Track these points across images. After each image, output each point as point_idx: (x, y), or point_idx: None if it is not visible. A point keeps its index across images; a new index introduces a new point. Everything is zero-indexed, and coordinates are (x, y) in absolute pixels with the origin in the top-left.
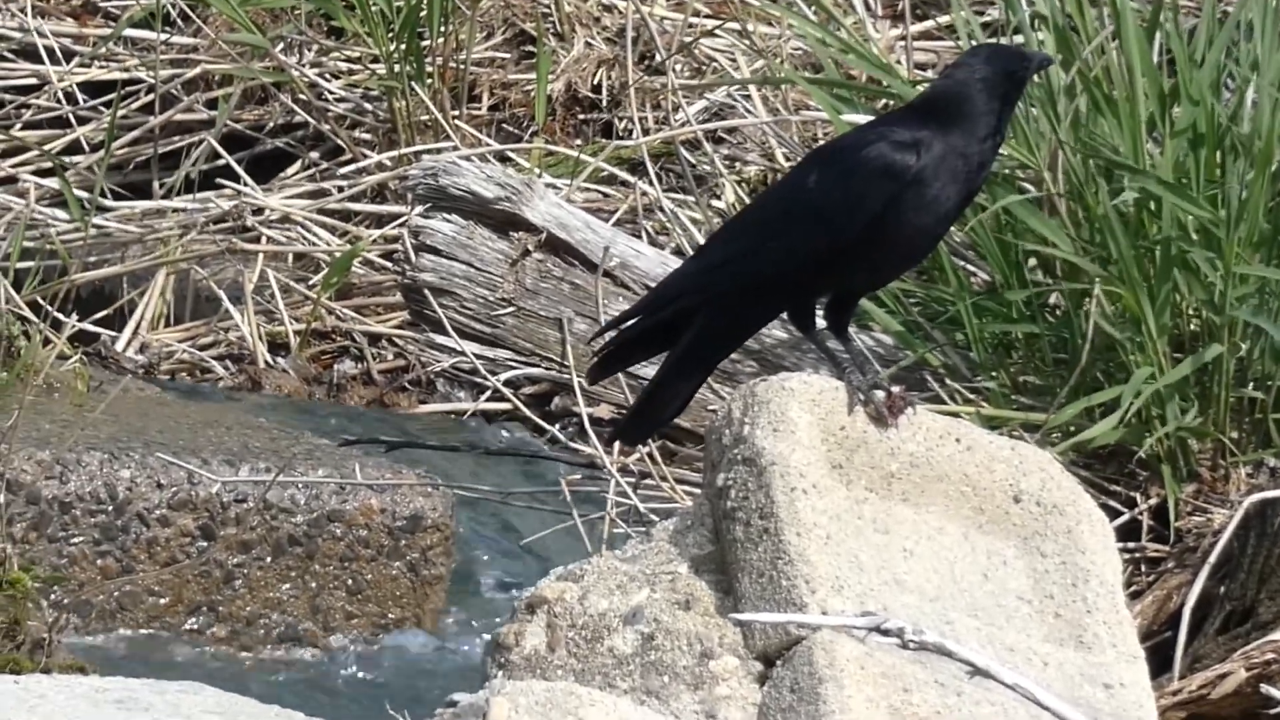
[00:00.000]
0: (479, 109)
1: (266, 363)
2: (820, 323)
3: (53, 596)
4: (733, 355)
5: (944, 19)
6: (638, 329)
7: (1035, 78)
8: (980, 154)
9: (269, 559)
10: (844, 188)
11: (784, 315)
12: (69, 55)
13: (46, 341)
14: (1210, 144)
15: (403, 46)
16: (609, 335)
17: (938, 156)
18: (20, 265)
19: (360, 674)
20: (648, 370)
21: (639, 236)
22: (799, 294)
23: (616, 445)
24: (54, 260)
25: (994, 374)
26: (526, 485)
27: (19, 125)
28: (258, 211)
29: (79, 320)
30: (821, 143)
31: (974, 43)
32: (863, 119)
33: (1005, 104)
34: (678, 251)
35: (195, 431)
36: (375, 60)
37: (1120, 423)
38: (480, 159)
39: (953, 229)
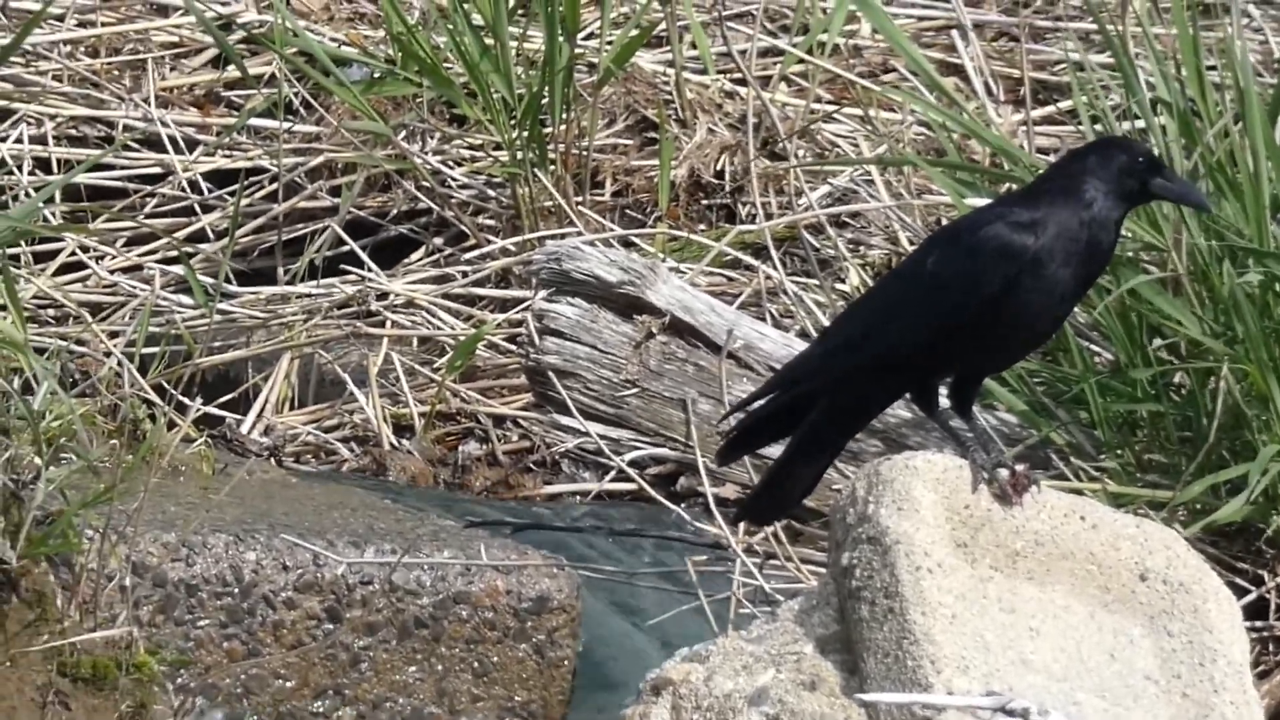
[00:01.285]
0: (602, 195)
1: (391, 445)
2: (944, 403)
3: (179, 680)
4: (857, 435)
5: (1065, 104)
6: (764, 411)
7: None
8: (1091, 238)
9: (395, 641)
10: (962, 268)
11: (908, 396)
12: (193, 145)
13: (172, 425)
14: None
15: (525, 133)
16: (736, 417)
17: (1053, 237)
18: (146, 350)
19: None
20: (774, 449)
21: (763, 319)
22: (920, 374)
23: (742, 525)
24: (179, 345)
25: (1119, 452)
26: (652, 566)
27: (144, 214)
28: (382, 297)
29: (204, 404)
30: (941, 224)
31: (1097, 129)
32: (985, 202)
33: (1120, 192)
34: (802, 334)
35: (320, 514)
36: (498, 147)
37: (1247, 501)
38: (604, 244)
39: (1077, 309)
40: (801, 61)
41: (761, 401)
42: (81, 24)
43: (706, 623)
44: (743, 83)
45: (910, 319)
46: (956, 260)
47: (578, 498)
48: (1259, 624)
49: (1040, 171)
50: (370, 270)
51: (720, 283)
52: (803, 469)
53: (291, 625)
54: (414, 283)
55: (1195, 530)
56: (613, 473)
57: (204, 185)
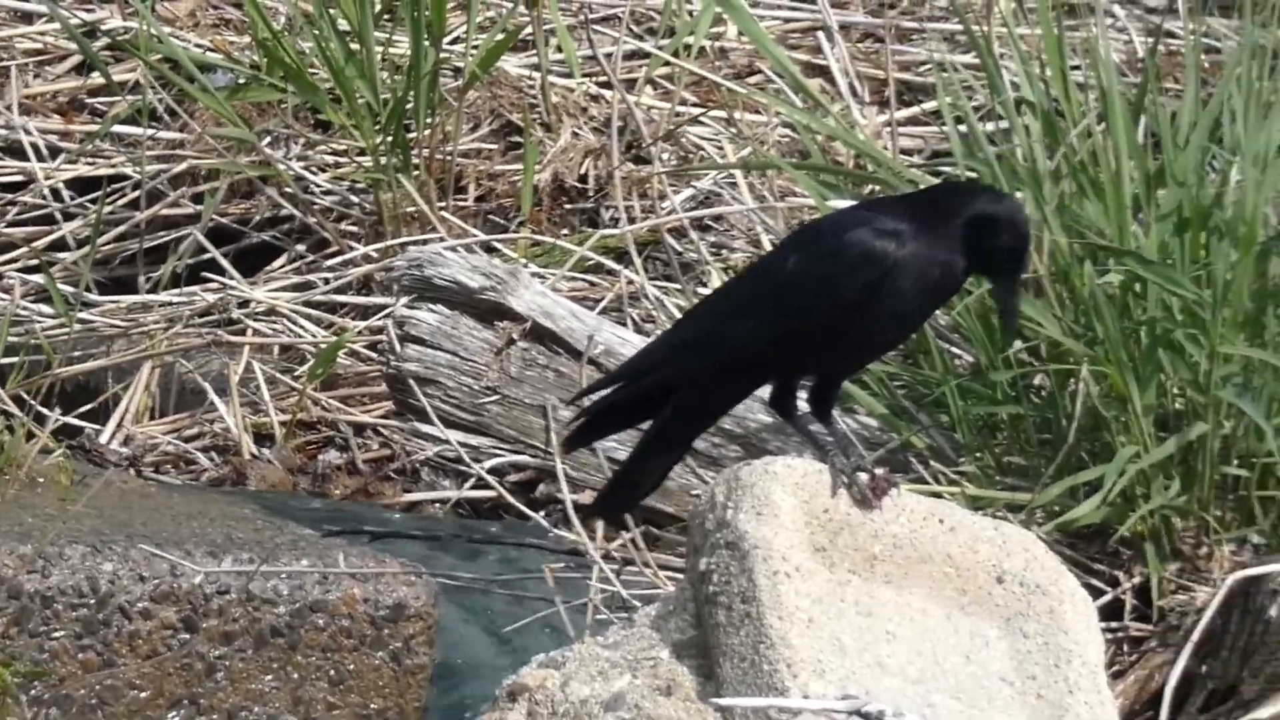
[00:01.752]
0: (465, 200)
1: (252, 454)
2: (803, 406)
3: (33, 692)
4: (715, 440)
5: (930, 104)
6: (610, 401)
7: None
8: (944, 279)
9: (251, 650)
10: (822, 269)
11: (766, 401)
12: (55, 152)
13: (30, 436)
14: (1195, 226)
15: (389, 139)
16: (592, 401)
17: (912, 254)
18: (5, 360)
19: None
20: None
21: (624, 324)
22: (773, 374)
23: (600, 532)
24: (38, 355)
25: (978, 455)
26: (510, 573)
27: (4, 223)
28: (243, 304)
29: (63, 414)
30: (804, 222)
31: (961, 129)
32: (849, 204)
33: (980, 262)
34: None
35: (179, 523)
36: (362, 153)
37: (1104, 502)
38: (466, 249)
39: (939, 312)
40: (667, 64)
41: (608, 391)
42: None
43: (563, 629)
44: (608, 86)
45: (762, 317)
46: (817, 261)
47: (437, 505)
48: (1114, 625)
49: (921, 188)
50: (232, 278)
51: (582, 288)
52: (653, 464)
53: (147, 635)
54: (276, 290)
55: (1053, 532)
56: (472, 480)
57: (65, 193)
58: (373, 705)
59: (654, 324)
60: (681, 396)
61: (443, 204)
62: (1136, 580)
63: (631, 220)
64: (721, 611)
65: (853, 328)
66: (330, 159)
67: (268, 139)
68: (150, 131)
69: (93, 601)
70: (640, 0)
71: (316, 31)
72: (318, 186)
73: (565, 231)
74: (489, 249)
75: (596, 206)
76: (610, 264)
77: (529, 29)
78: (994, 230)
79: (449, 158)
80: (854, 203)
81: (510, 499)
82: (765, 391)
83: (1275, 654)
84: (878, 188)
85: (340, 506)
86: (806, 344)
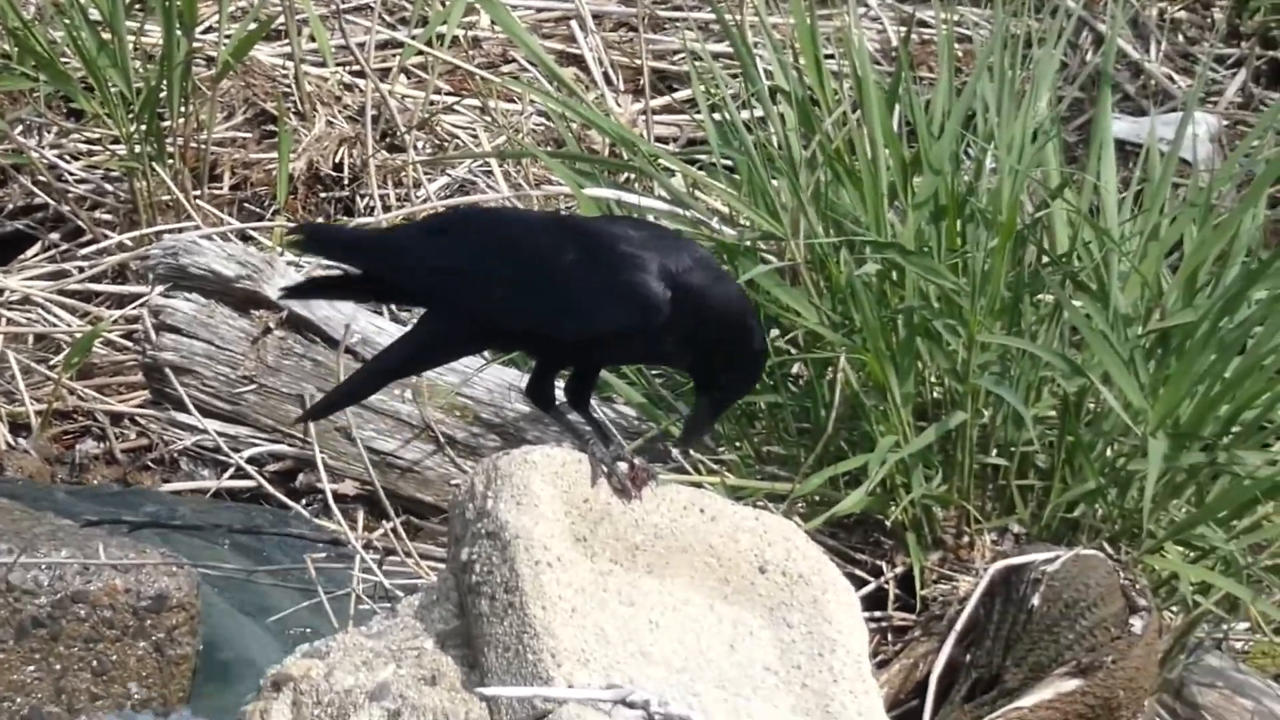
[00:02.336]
0: (220, 189)
1: (7, 444)
2: (560, 396)
3: None
4: (474, 429)
5: (684, 93)
6: (345, 275)
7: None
8: (673, 345)
9: (12, 641)
10: (591, 292)
11: (522, 390)
12: None
13: None
14: (951, 214)
15: (143, 127)
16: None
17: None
18: None
19: None
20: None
21: (380, 313)
22: (535, 353)
23: (360, 522)
24: None
25: (738, 444)
26: (272, 563)
27: None
28: None
29: None
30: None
31: (716, 118)
32: (606, 193)
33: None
34: None
35: None
36: (115, 141)
37: (867, 492)
38: (222, 238)
39: None
40: (420, 53)
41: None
42: None
43: (327, 619)
44: (362, 75)
45: (518, 302)
46: (591, 282)
47: (197, 495)
48: (878, 614)
49: (663, 160)
50: None
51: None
52: (377, 381)
53: None
54: (30, 279)
55: (815, 523)
56: (231, 470)
57: None
58: (136, 695)
59: (409, 313)
60: (430, 331)
61: (198, 192)
62: (899, 570)
63: (387, 208)
64: (485, 601)
65: (597, 346)
66: (84, 147)
67: (20, 127)
68: None
69: None
70: None
71: (67, 21)
72: (71, 175)
73: (321, 219)
74: (245, 237)
75: (352, 195)
76: None
77: (281, 19)
78: (739, 363)
79: (203, 146)
80: (616, 193)
81: (270, 489)
82: (522, 381)
83: (1038, 643)
84: (633, 175)
85: (98, 495)
86: (559, 347)
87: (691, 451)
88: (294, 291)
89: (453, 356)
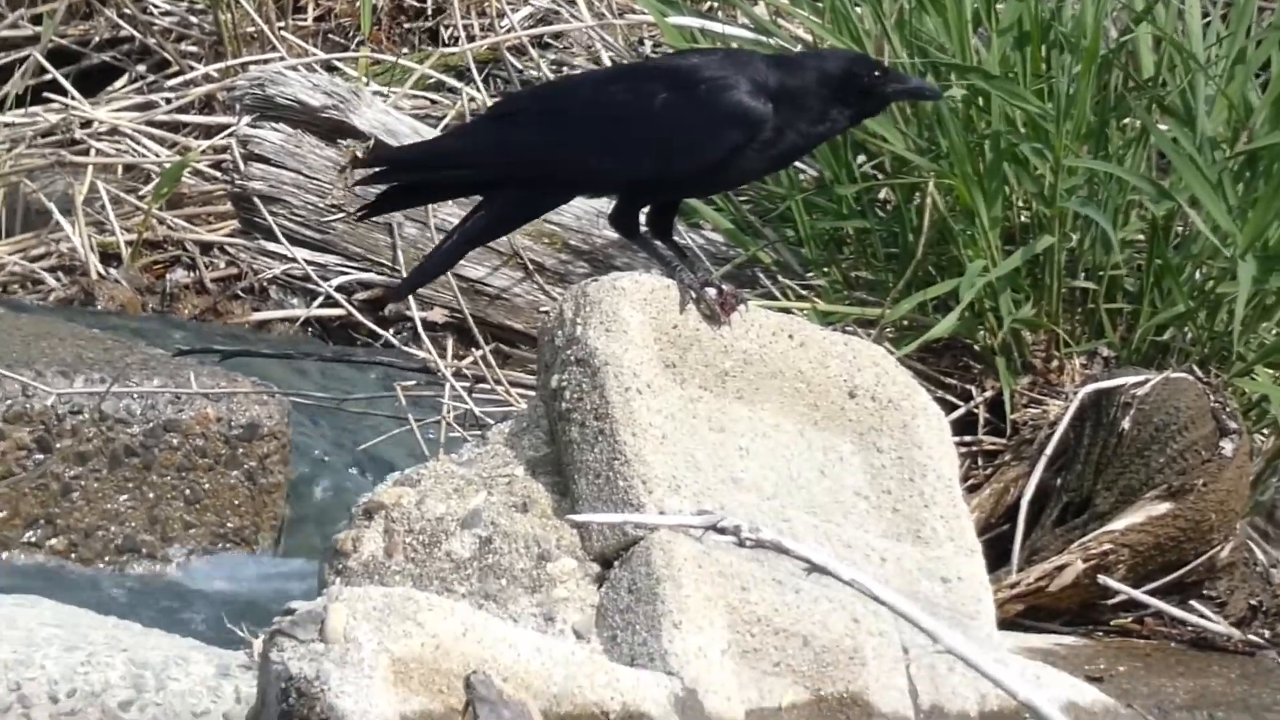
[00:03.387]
0: (305, 20)
1: (99, 274)
2: (644, 226)
3: None
4: (562, 256)
5: None
6: (423, 179)
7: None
8: (798, 137)
9: (105, 470)
10: (692, 124)
11: (608, 218)
12: None
13: None
14: (1035, 39)
15: None
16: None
17: (780, 123)
18: None
19: (198, 584)
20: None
21: None
22: (624, 195)
23: (450, 349)
24: None
25: (826, 270)
26: (362, 391)
27: None
28: (86, 124)
29: None
30: (665, 55)
31: None
32: (689, 21)
33: (841, 104)
34: None
35: (28, 344)
36: None
37: (960, 316)
38: (307, 69)
39: None
40: None
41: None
42: None
43: (418, 448)
44: None
45: (621, 154)
46: (688, 112)
47: (287, 324)
48: (968, 438)
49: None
50: (74, 98)
51: (424, 105)
52: (458, 250)
53: (2, 456)
54: (118, 110)
55: (907, 348)
56: (320, 298)
57: None
58: (229, 524)
59: None
60: (508, 197)
61: (282, 23)
62: (989, 394)
63: (471, 38)
64: (575, 428)
65: (710, 176)
66: None
67: None
68: None
69: None
70: None
71: None
72: (156, 7)
73: (405, 50)
74: (329, 68)
75: (436, 25)
76: (451, 81)
77: None
78: (851, 76)
79: None
80: (696, 21)
81: (360, 317)
82: (608, 208)
83: (1128, 467)
84: (716, 3)
85: (189, 325)
86: (662, 185)
87: (780, 277)
88: (371, 209)
89: (540, 214)
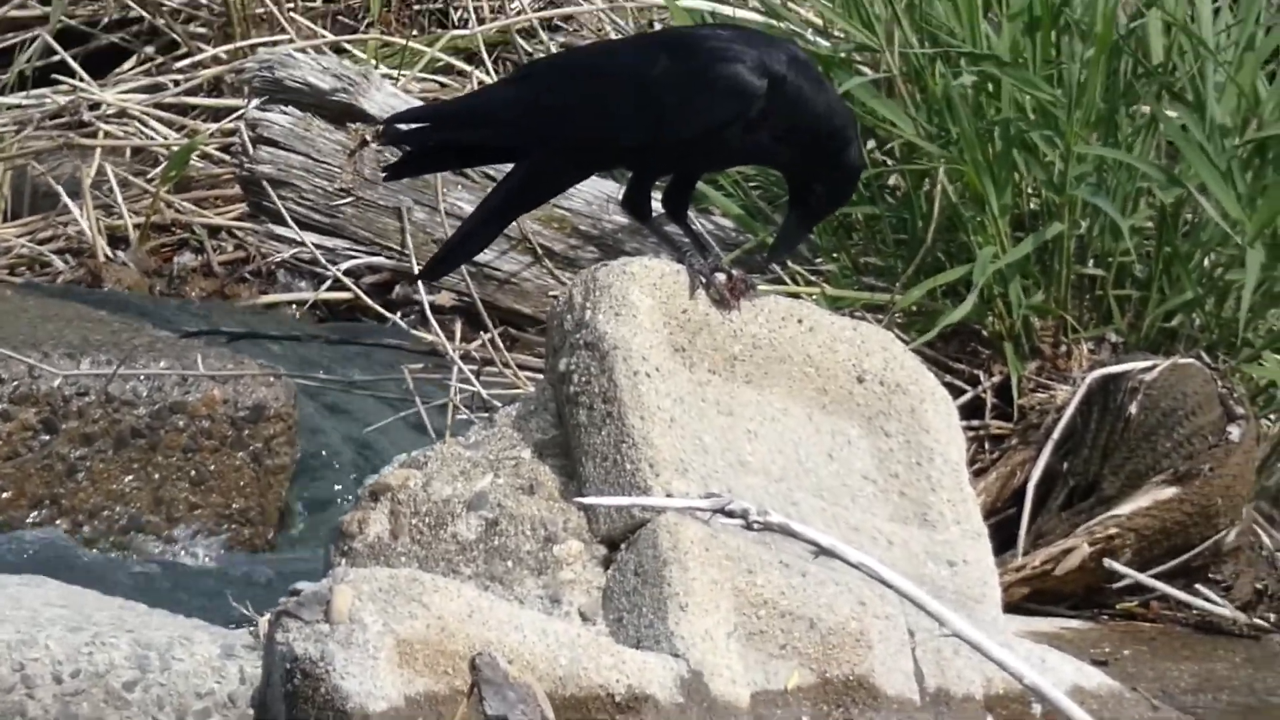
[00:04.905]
0: (314, 2)
1: (107, 256)
2: (657, 208)
3: None
4: (572, 241)
5: None
6: (444, 141)
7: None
8: (768, 140)
9: (111, 451)
10: (689, 93)
11: (620, 202)
12: None
13: None
14: (1046, 25)
15: None
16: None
17: (778, 94)
18: None
19: (205, 564)
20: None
21: None
22: (631, 166)
23: (458, 332)
24: None
25: (835, 255)
26: (369, 374)
27: None
28: (94, 107)
29: None
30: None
31: None
32: (699, 2)
33: (814, 148)
34: None
35: (35, 326)
36: None
37: (975, 302)
38: (316, 51)
39: None
40: None
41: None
42: None
43: (424, 429)
44: None
45: (623, 120)
46: (685, 81)
47: (294, 307)
48: (975, 423)
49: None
50: (82, 80)
51: (433, 89)
52: (484, 230)
53: (8, 437)
54: (126, 92)
55: (918, 339)
56: (329, 282)
57: None
58: (234, 505)
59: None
60: (529, 167)
61: (291, 5)
62: (997, 379)
63: (481, 21)
64: (583, 411)
65: (710, 147)
66: None
67: None
68: None
69: None
70: None
71: None
72: None
73: (415, 33)
74: (339, 50)
75: (445, 7)
76: (461, 65)
77: None
78: (834, 172)
79: None
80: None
81: (367, 300)
82: (619, 193)
83: (1135, 451)
84: None
85: (197, 307)
86: (668, 153)
87: (788, 263)
88: (394, 170)
89: (559, 190)
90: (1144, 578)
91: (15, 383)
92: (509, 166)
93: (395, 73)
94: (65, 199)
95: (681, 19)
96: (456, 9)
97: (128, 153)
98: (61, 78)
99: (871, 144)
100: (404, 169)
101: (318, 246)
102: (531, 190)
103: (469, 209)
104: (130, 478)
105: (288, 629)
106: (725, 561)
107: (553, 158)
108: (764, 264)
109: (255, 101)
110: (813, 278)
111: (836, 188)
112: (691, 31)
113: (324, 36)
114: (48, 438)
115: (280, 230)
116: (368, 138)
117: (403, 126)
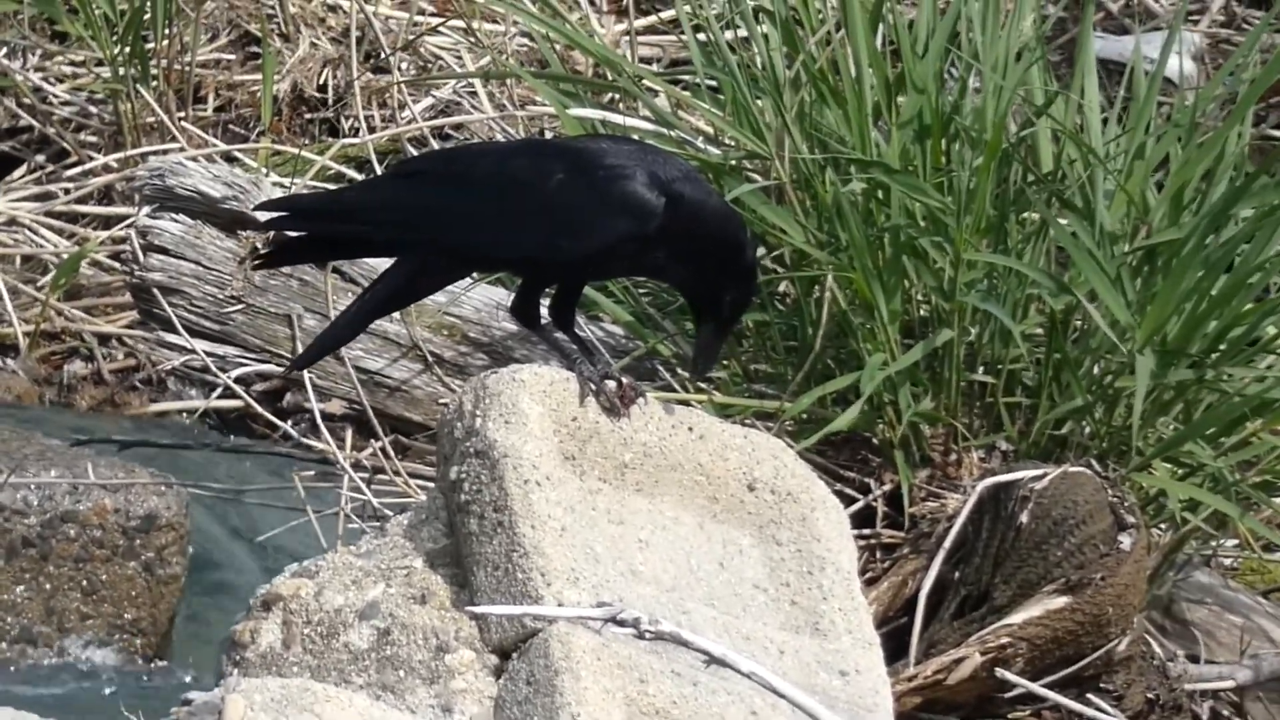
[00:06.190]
0: (205, 110)
1: None
2: (545, 315)
3: None
4: (462, 348)
5: (668, 13)
6: (319, 234)
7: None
8: (665, 258)
9: (2, 561)
10: (585, 209)
11: (509, 309)
12: None
13: None
14: (936, 133)
15: (127, 49)
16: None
17: (676, 211)
18: None
19: (97, 674)
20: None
21: None
22: (521, 274)
23: (349, 440)
24: None
25: (725, 363)
26: (260, 483)
27: None
28: None
29: None
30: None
31: (700, 38)
32: (590, 113)
33: (716, 261)
34: None
35: None
36: (100, 63)
37: (861, 410)
38: (207, 159)
39: None
40: None
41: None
42: None
43: (316, 539)
44: None
45: (508, 231)
46: (583, 196)
47: (184, 415)
48: (867, 531)
49: (648, 81)
50: None
51: None
52: (356, 323)
53: None
54: (16, 200)
55: (807, 442)
56: (219, 389)
57: None
58: (126, 615)
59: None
60: (412, 267)
61: (182, 114)
62: (888, 487)
63: (372, 129)
64: (474, 520)
65: (599, 261)
66: (68, 69)
67: (4, 50)
68: None
69: None
70: None
71: None
72: (56, 97)
73: (306, 141)
74: (230, 159)
75: (337, 116)
76: (351, 173)
77: None
78: (735, 279)
79: (187, 68)
80: (599, 112)
81: (258, 408)
82: (509, 300)
83: (1026, 560)
84: (617, 96)
85: (87, 416)
86: (552, 267)
87: (679, 370)
88: (265, 261)
89: (439, 288)
90: (1036, 687)
91: None
92: (381, 261)
93: (287, 180)
94: None
95: (574, 128)
96: (348, 118)
97: (17, 260)
98: None
99: (762, 251)
100: (274, 259)
101: (208, 354)
102: (411, 289)
103: None
104: (21, 588)
105: None
106: (617, 670)
107: (437, 260)
108: (692, 379)
109: (146, 209)
110: (703, 385)
111: (741, 291)
112: (585, 144)
113: (215, 145)
114: None
115: (171, 338)
116: (258, 245)
117: (274, 215)
